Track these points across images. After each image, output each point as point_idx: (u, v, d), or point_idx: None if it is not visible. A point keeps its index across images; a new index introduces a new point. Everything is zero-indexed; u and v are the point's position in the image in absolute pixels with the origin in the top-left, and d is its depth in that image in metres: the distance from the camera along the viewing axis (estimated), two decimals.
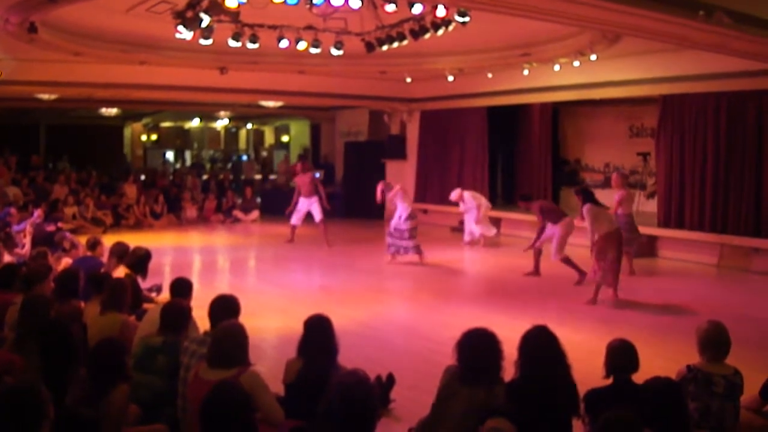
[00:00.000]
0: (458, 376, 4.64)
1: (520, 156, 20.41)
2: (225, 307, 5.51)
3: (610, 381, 4.85)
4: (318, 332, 5.12)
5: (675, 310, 10.83)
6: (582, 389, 4.74)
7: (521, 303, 11.37)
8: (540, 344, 4.68)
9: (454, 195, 16.92)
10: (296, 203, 17.01)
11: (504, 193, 20.57)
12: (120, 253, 8.63)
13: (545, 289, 12.17)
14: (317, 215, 16.85)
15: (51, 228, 13.62)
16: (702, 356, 5.02)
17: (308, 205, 16.91)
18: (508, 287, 12.54)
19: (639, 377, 4.73)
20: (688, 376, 4.89)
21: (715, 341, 4.99)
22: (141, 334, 5.80)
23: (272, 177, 29.07)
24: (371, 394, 3.86)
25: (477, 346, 4.63)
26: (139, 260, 8.32)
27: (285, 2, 10.21)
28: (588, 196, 11.17)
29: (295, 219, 17.10)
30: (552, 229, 12.62)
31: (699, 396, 4.81)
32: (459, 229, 18.39)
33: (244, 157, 35.31)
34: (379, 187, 15.24)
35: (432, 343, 8.55)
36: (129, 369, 5.04)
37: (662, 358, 7.21)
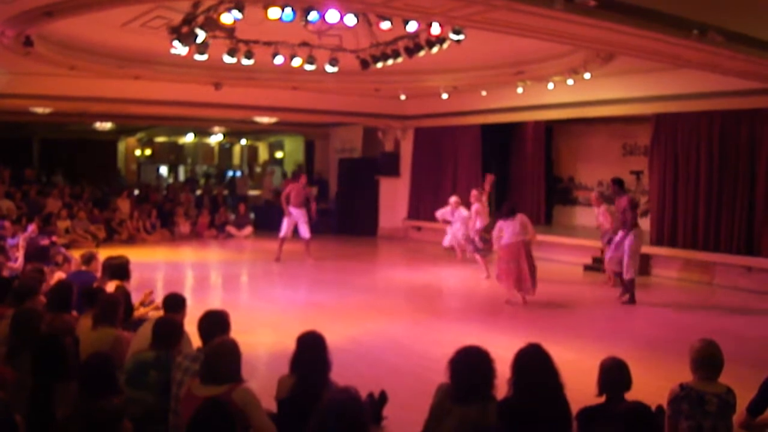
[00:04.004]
0: (450, 394, 4.62)
1: (513, 174, 20.46)
2: (214, 323, 5.48)
3: (602, 399, 4.85)
4: (311, 349, 5.10)
5: (668, 329, 10.84)
6: (575, 407, 4.73)
7: (514, 320, 11.38)
8: (533, 362, 4.67)
9: (453, 200, 17.06)
10: (288, 212, 16.85)
11: (497, 210, 20.59)
12: (112, 268, 8.60)
13: (538, 307, 12.15)
14: (304, 233, 16.79)
15: (45, 242, 13.59)
16: (695, 375, 5.00)
17: (298, 215, 16.79)
18: (500, 305, 12.52)
19: (631, 395, 4.73)
20: (680, 394, 4.88)
21: (708, 360, 4.98)
22: (134, 350, 5.78)
23: (256, 193, 28.93)
24: (363, 412, 3.84)
25: (470, 364, 4.62)
26: (119, 267, 8.30)
27: (280, 19, 10.23)
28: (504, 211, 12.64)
29: (285, 230, 16.96)
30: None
31: (692, 415, 4.79)
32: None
33: (238, 173, 35.29)
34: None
35: (424, 360, 8.55)
36: (120, 383, 5.02)
37: (655, 377, 7.22)
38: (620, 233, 12.55)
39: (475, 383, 4.57)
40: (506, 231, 12.31)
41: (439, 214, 17.07)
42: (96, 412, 4.00)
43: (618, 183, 12.70)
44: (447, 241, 17.04)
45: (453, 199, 17.05)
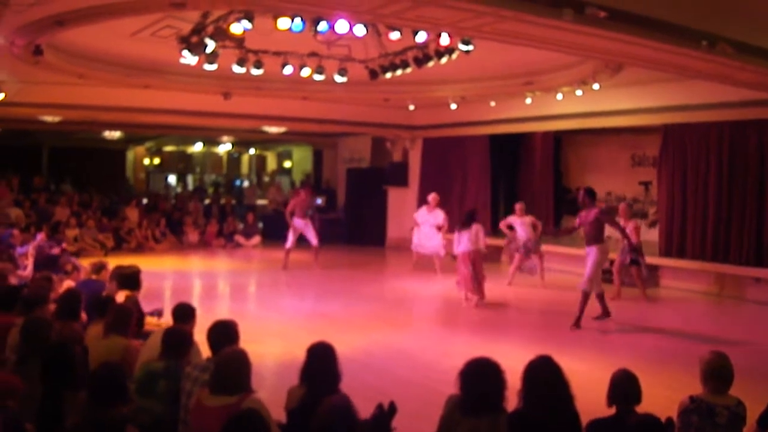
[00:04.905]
0: (460, 405, 4.60)
1: (522, 184, 20.41)
2: (223, 333, 5.48)
3: (612, 411, 4.83)
4: (321, 359, 5.09)
5: (678, 340, 10.81)
6: (584, 419, 4.71)
7: (524, 332, 11.36)
8: (544, 374, 4.65)
9: (431, 197, 17.07)
10: (292, 225, 17.03)
11: None
12: (123, 277, 8.60)
13: (548, 318, 12.13)
14: (312, 239, 16.94)
15: (56, 251, 13.62)
16: (705, 387, 4.98)
17: (303, 226, 16.91)
18: (510, 316, 12.51)
19: (641, 407, 4.72)
20: (690, 406, 4.87)
21: (718, 372, 4.96)
22: (143, 359, 5.78)
23: (264, 202, 28.93)
24: (352, 412, 3.97)
25: (480, 376, 4.60)
26: (130, 277, 8.29)
27: (290, 29, 10.26)
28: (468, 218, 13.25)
29: (290, 242, 17.07)
30: None
31: (702, 427, 4.78)
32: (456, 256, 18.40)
33: (246, 183, 35.29)
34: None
35: (434, 371, 8.52)
36: (130, 393, 5.02)
37: (665, 388, 7.19)
38: (587, 249, 11.57)
39: (485, 395, 4.55)
40: (463, 239, 13.02)
41: (416, 215, 17.19)
42: (104, 421, 4.00)
43: (590, 193, 11.71)
44: (415, 244, 17.15)
45: (431, 196, 17.07)
